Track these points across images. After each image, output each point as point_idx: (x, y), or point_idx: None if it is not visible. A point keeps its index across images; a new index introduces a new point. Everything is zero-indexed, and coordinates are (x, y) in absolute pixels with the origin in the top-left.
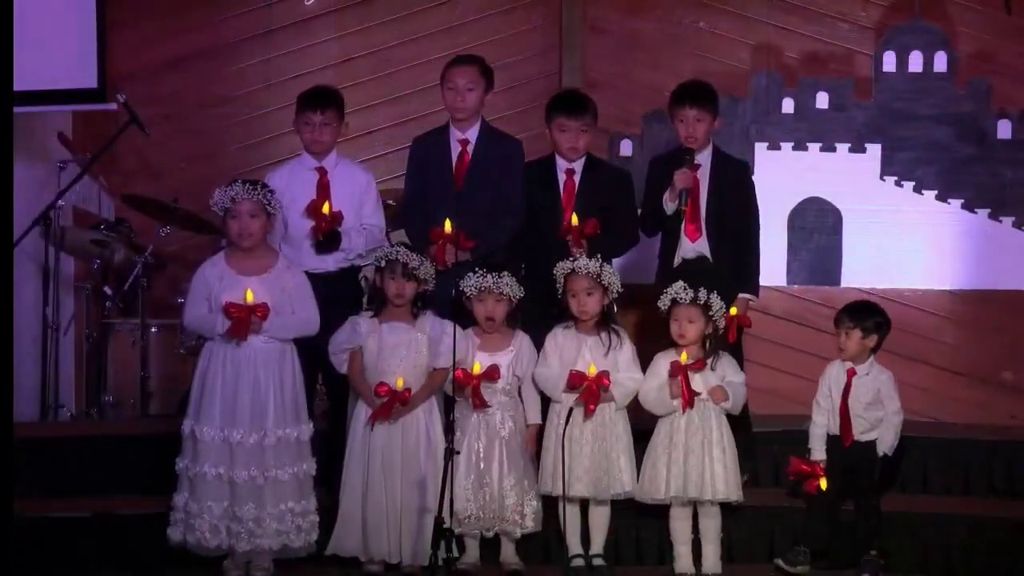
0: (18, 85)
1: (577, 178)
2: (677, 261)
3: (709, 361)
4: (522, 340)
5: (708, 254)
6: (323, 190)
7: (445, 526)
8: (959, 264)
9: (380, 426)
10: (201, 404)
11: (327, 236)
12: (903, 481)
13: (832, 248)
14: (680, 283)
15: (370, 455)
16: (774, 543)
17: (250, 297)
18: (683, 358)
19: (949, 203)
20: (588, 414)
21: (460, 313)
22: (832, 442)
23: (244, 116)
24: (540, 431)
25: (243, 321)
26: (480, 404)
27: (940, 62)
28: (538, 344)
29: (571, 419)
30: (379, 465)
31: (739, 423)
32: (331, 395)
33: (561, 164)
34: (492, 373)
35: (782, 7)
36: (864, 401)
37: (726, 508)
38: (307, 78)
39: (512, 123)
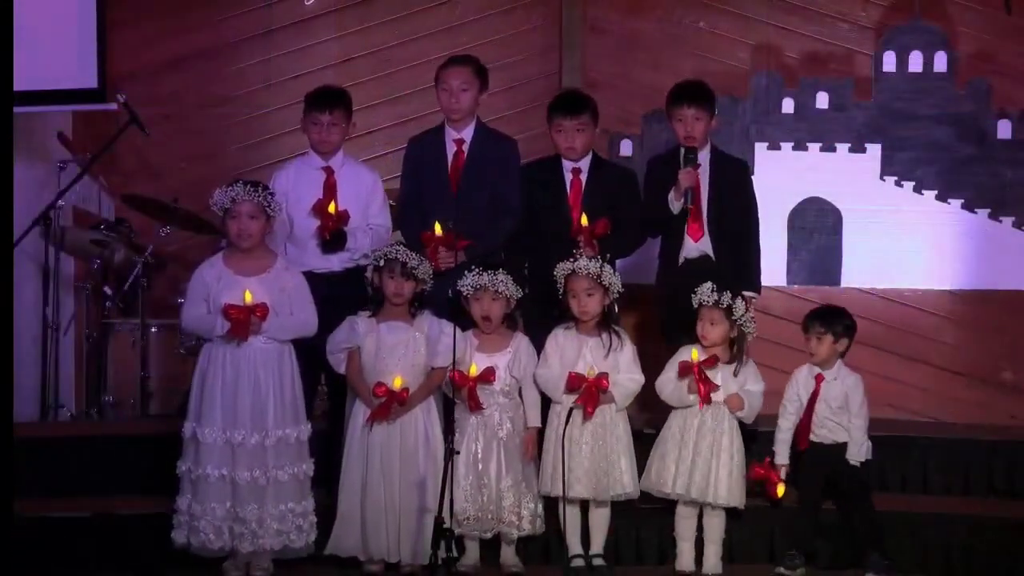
0: (18, 85)
1: (584, 177)
2: (680, 261)
3: (733, 366)
4: (520, 342)
5: (711, 253)
6: (330, 190)
7: (445, 526)
8: (959, 264)
9: (379, 426)
10: (202, 406)
11: (333, 235)
12: (903, 481)
13: (832, 248)
14: (708, 284)
15: (368, 454)
16: (774, 543)
17: (249, 298)
18: (694, 355)
19: (949, 203)
20: (587, 416)
21: (459, 315)
22: (810, 446)
23: (244, 116)
24: (540, 434)
25: (243, 322)
26: (476, 406)
27: (940, 62)
28: (539, 345)
29: (571, 420)
30: (377, 465)
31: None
32: (332, 395)
33: (567, 164)
34: (488, 375)
35: (782, 7)
36: (834, 405)
37: (731, 510)
38: (307, 78)
39: (512, 123)
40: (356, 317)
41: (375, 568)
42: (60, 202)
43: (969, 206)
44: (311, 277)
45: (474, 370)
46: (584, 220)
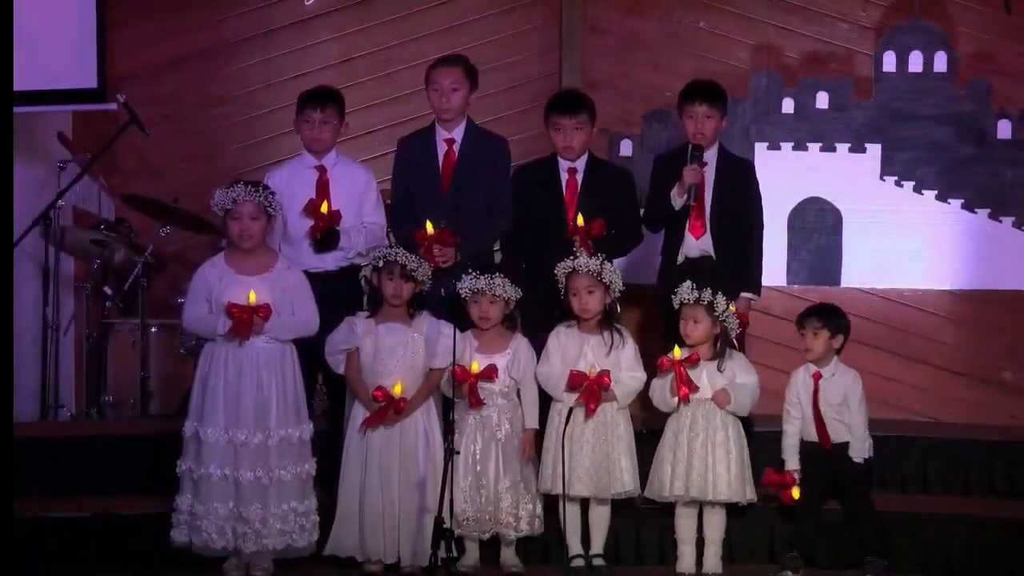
0: (18, 85)
1: (579, 177)
2: (680, 259)
3: (716, 362)
4: (519, 343)
5: (712, 252)
6: (322, 189)
7: (445, 526)
8: (959, 264)
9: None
10: (203, 405)
11: (325, 235)
12: (903, 481)
13: (832, 248)
14: (688, 283)
15: (368, 455)
16: (774, 543)
17: (253, 298)
18: (676, 353)
19: (949, 203)
20: (589, 414)
21: (457, 315)
22: (809, 447)
23: (244, 116)
24: (538, 436)
25: (245, 321)
26: (477, 403)
27: (940, 62)
28: (539, 344)
29: (571, 418)
30: (376, 465)
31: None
32: (331, 395)
33: (563, 164)
34: (490, 372)
35: (782, 7)
36: (834, 403)
37: (732, 509)
38: (307, 78)
39: (512, 123)
40: (355, 318)
41: (374, 568)
42: (60, 202)
43: (969, 206)
44: (306, 277)
45: (476, 367)
46: (580, 220)
